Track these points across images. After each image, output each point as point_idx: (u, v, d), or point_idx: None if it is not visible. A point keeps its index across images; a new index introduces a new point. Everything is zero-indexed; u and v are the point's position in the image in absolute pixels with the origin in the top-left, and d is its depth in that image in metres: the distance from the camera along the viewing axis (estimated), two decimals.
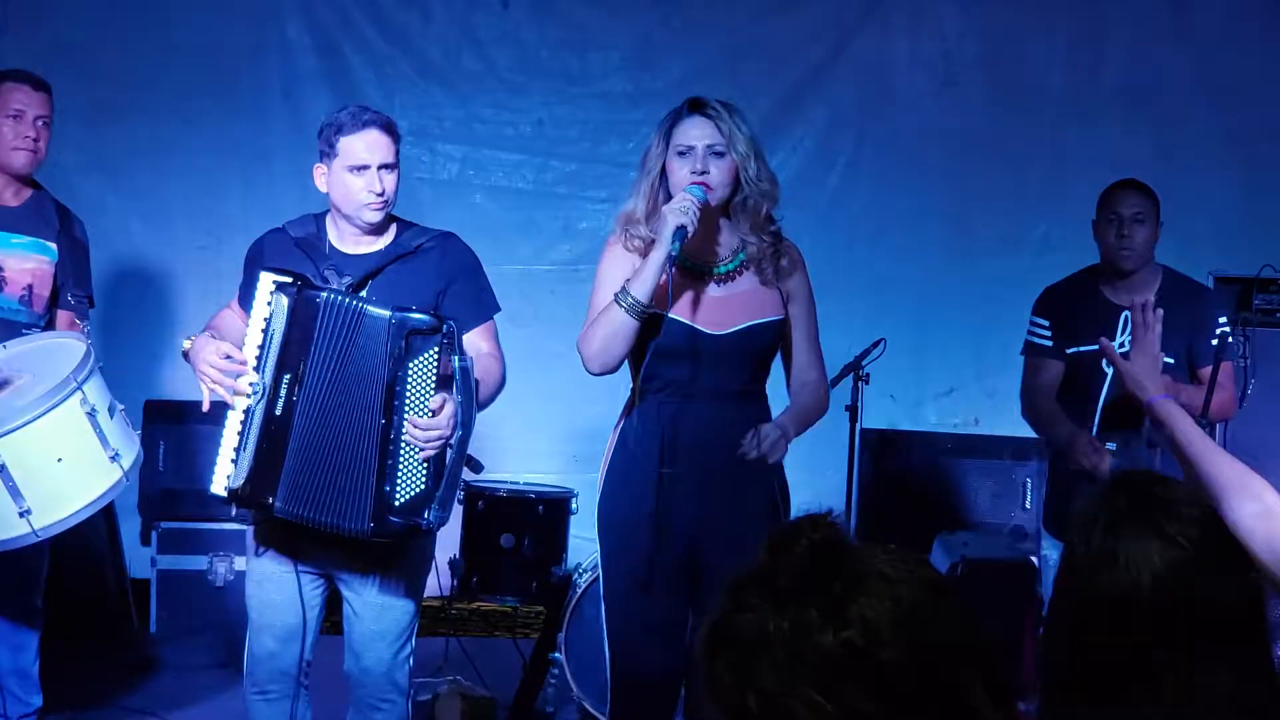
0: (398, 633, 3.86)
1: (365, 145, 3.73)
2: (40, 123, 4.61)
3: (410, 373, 3.57)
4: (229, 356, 3.65)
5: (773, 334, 3.78)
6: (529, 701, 5.41)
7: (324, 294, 3.62)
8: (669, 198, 3.70)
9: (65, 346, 4.07)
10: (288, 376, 3.63)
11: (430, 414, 3.55)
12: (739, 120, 3.70)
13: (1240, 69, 6.88)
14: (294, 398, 3.62)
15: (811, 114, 7.00)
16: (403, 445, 3.59)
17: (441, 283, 3.82)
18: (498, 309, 3.94)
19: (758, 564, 1.43)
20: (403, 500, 3.61)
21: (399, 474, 3.60)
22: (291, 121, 6.85)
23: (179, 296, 6.81)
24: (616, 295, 3.64)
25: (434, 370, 3.58)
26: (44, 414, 3.74)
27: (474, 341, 3.82)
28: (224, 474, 3.70)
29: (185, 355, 3.73)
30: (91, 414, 3.81)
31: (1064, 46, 6.98)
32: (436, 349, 3.57)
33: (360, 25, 6.91)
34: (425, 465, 3.61)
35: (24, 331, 4.45)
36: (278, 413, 3.63)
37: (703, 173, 3.64)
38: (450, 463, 3.63)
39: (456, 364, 3.60)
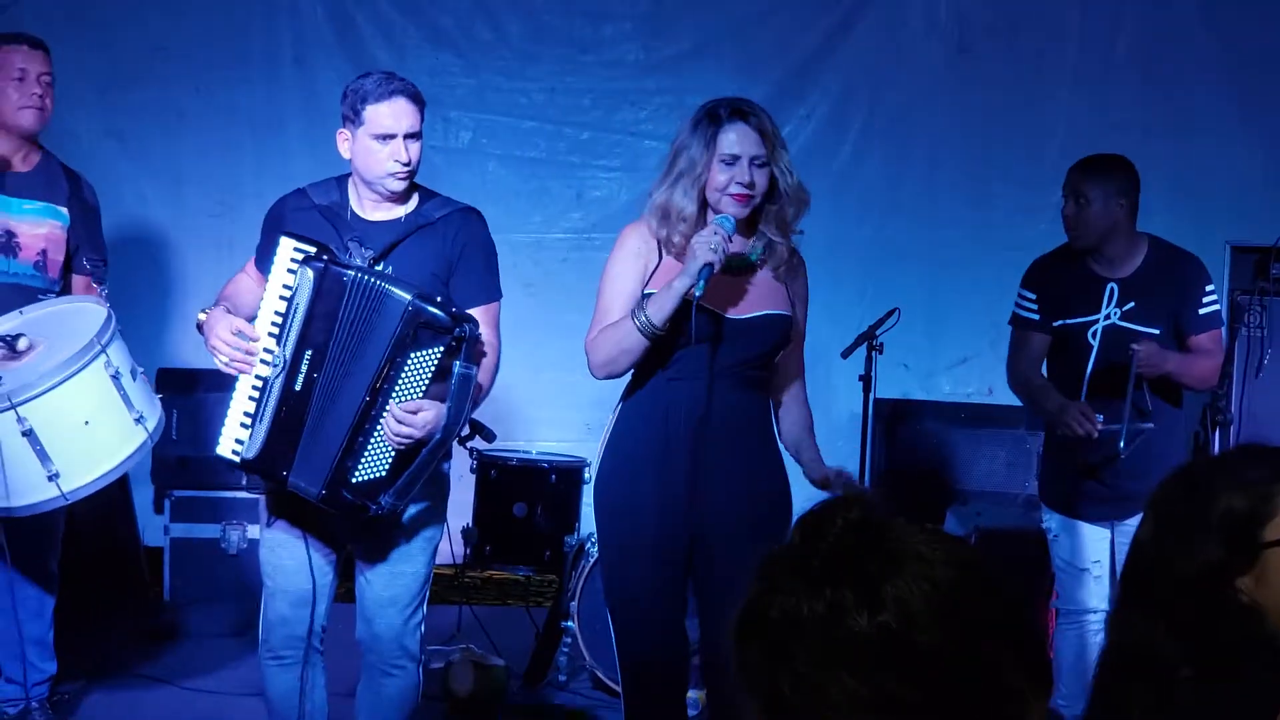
0: (408, 599, 3.87)
1: (392, 114, 3.70)
2: (44, 80, 4.61)
3: (409, 362, 3.55)
4: (240, 333, 3.64)
5: (784, 327, 3.80)
6: (542, 670, 5.42)
7: (351, 272, 3.60)
8: (702, 197, 3.70)
9: (84, 311, 4.09)
10: (309, 353, 3.62)
11: (413, 412, 3.55)
12: (778, 130, 3.71)
13: (1257, 36, 6.83)
14: (314, 374, 3.62)
15: (824, 82, 6.97)
16: (379, 427, 3.59)
17: (455, 253, 3.80)
18: (500, 295, 3.90)
19: (790, 544, 1.40)
20: (360, 479, 3.62)
21: (365, 453, 3.61)
22: (303, 89, 6.85)
23: (191, 264, 6.81)
24: (633, 312, 3.62)
25: (432, 367, 3.56)
26: (70, 377, 3.77)
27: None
28: (232, 436, 3.71)
29: (199, 327, 3.74)
30: (115, 376, 3.84)
31: (1079, 13, 6.94)
32: (442, 349, 3.55)
33: None
34: (393, 454, 3.61)
35: (40, 297, 4.46)
36: (297, 388, 3.63)
37: (749, 185, 3.63)
38: (419, 461, 3.63)
39: (458, 369, 3.58)
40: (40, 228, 4.60)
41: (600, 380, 3.78)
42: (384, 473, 3.63)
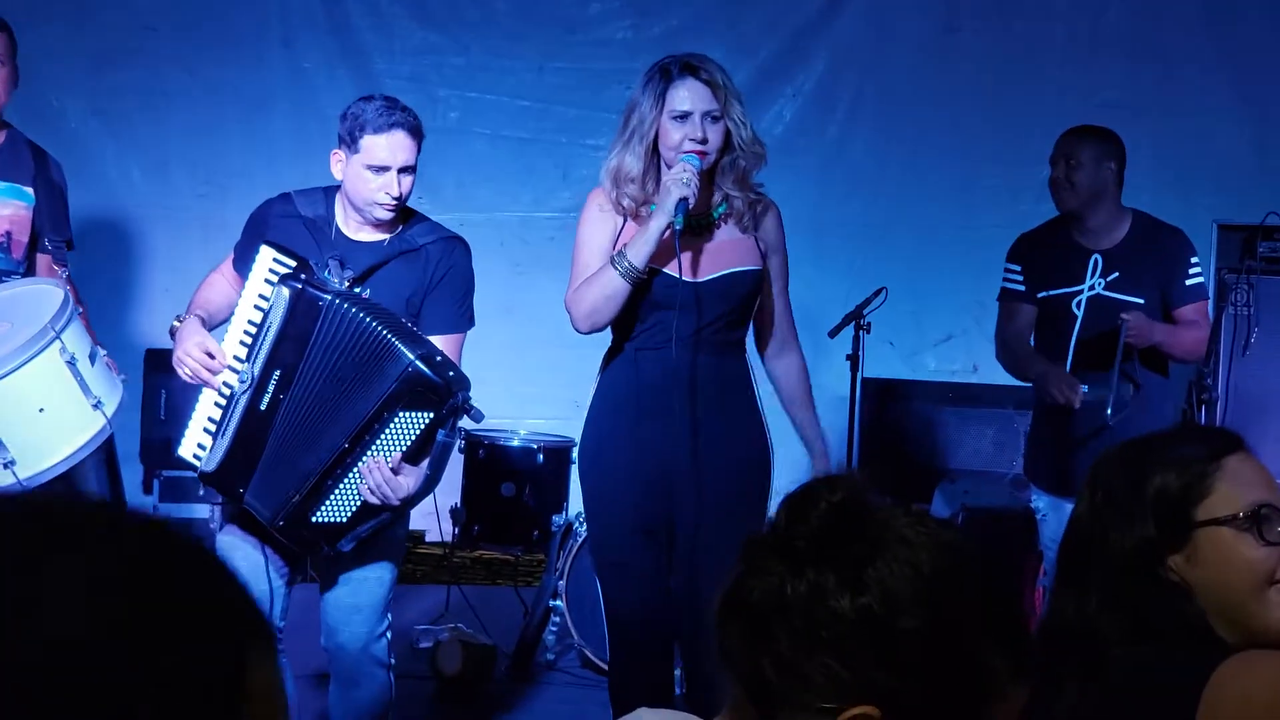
0: (373, 606, 3.79)
1: (389, 147, 3.65)
2: None
3: (396, 419, 3.51)
4: (210, 354, 3.61)
5: (752, 283, 3.79)
6: (530, 649, 5.43)
7: (327, 296, 3.54)
8: (658, 157, 3.70)
9: (43, 293, 4.01)
10: (277, 373, 3.58)
11: (393, 468, 3.52)
12: (730, 83, 3.70)
13: (1246, 14, 6.83)
14: (280, 396, 3.58)
15: (812, 61, 6.96)
16: (349, 475, 3.56)
17: (429, 281, 3.75)
18: (471, 325, 3.84)
19: (774, 524, 1.40)
20: (319, 520, 3.60)
21: (330, 497, 3.58)
22: (290, 68, 6.83)
23: (177, 243, 6.78)
24: (613, 258, 3.63)
25: (418, 430, 3.52)
26: (23, 365, 3.69)
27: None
28: (195, 440, 3.69)
29: (171, 333, 3.71)
30: (72, 362, 3.76)
31: None
32: (431, 415, 3.51)
33: None
34: (359, 504, 3.58)
35: (3, 279, 4.35)
36: (262, 408, 3.59)
37: (703, 140, 3.62)
38: (382, 518, 3.62)
39: (441, 436, 3.54)
40: (4, 209, 4.49)
41: (583, 335, 3.77)
42: (345, 519, 3.60)
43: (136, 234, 6.74)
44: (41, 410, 3.75)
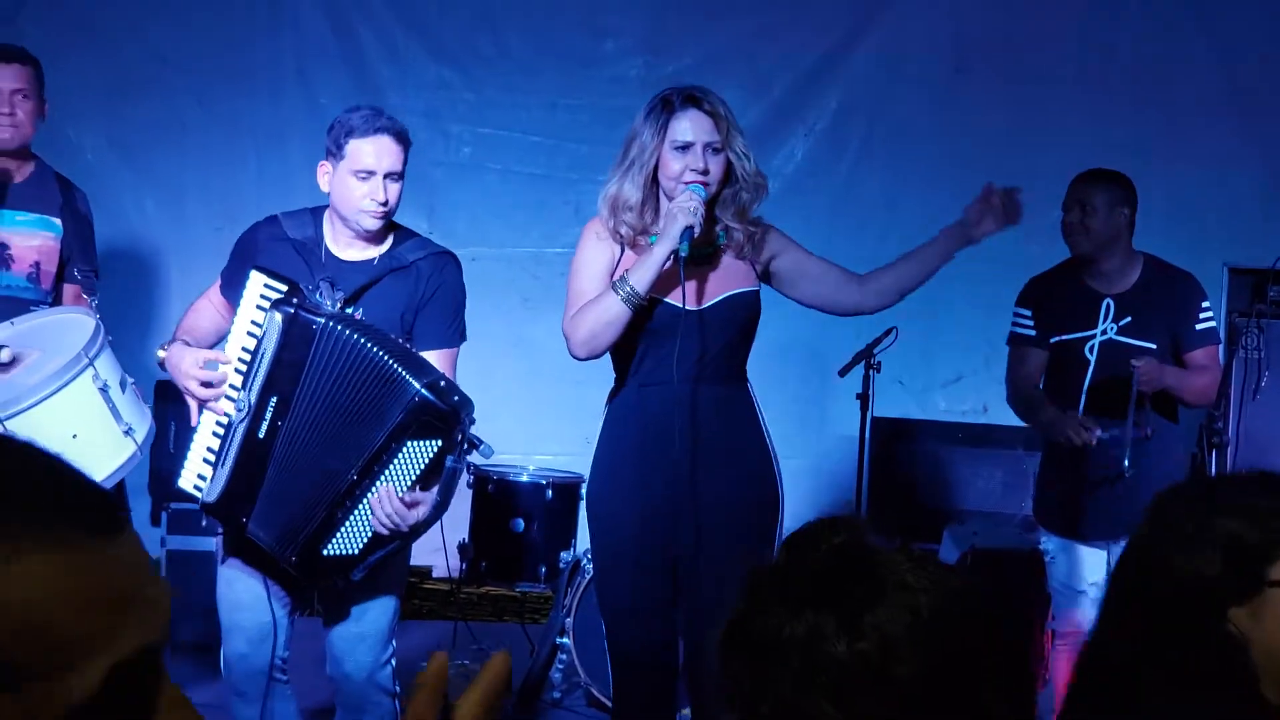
0: (377, 634, 3.78)
1: (374, 151, 3.64)
2: (18, 96, 4.51)
3: (405, 449, 3.48)
4: (209, 362, 3.61)
5: (751, 304, 3.80)
6: (536, 687, 5.41)
7: (321, 320, 3.53)
8: (658, 186, 3.69)
9: (74, 322, 4.06)
10: (274, 399, 3.56)
11: (402, 499, 3.50)
12: (732, 116, 3.70)
13: (1258, 56, 6.83)
14: (279, 422, 3.56)
15: (824, 99, 6.98)
16: (359, 507, 3.54)
17: (421, 297, 3.74)
18: (463, 340, 3.84)
19: (776, 563, 1.40)
20: (330, 553, 3.58)
21: (340, 530, 3.56)
22: (305, 101, 6.85)
23: (192, 276, 6.76)
24: (614, 283, 3.63)
25: (427, 459, 3.49)
26: (57, 391, 3.73)
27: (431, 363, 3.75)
28: (194, 471, 3.68)
29: (161, 365, 3.72)
30: (104, 389, 3.80)
31: (1076, 35, 6.94)
32: (440, 443, 3.48)
33: (374, 5, 6.90)
34: (370, 534, 3.55)
35: (32, 309, 4.40)
36: (261, 435, 3.58)
37: (704, 171, 3.62)
38: (394, 546, 3.60)
39: (449, 462, 3.52)
40: (33, 239, 4.57)
41: (580, 361, 3.77)
42: (356, 551, 3.58)
43: (151, 266, 6.76)
44: (74, 437, 3.77)
